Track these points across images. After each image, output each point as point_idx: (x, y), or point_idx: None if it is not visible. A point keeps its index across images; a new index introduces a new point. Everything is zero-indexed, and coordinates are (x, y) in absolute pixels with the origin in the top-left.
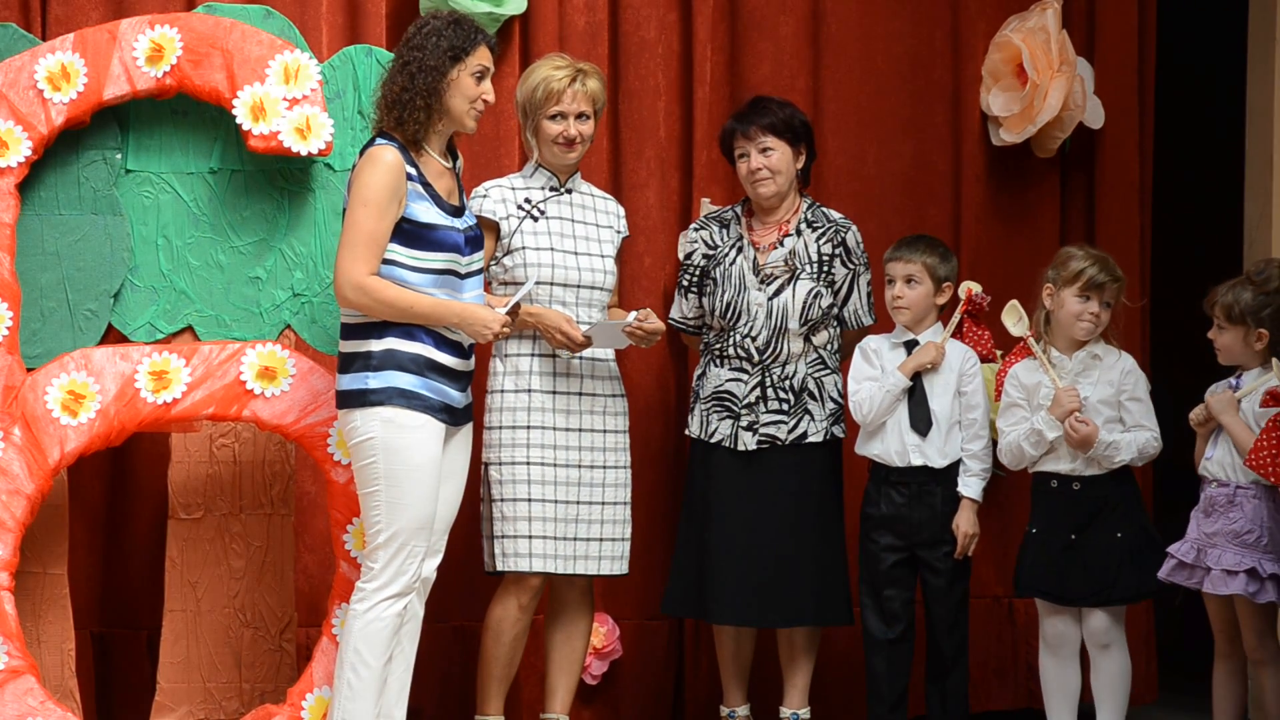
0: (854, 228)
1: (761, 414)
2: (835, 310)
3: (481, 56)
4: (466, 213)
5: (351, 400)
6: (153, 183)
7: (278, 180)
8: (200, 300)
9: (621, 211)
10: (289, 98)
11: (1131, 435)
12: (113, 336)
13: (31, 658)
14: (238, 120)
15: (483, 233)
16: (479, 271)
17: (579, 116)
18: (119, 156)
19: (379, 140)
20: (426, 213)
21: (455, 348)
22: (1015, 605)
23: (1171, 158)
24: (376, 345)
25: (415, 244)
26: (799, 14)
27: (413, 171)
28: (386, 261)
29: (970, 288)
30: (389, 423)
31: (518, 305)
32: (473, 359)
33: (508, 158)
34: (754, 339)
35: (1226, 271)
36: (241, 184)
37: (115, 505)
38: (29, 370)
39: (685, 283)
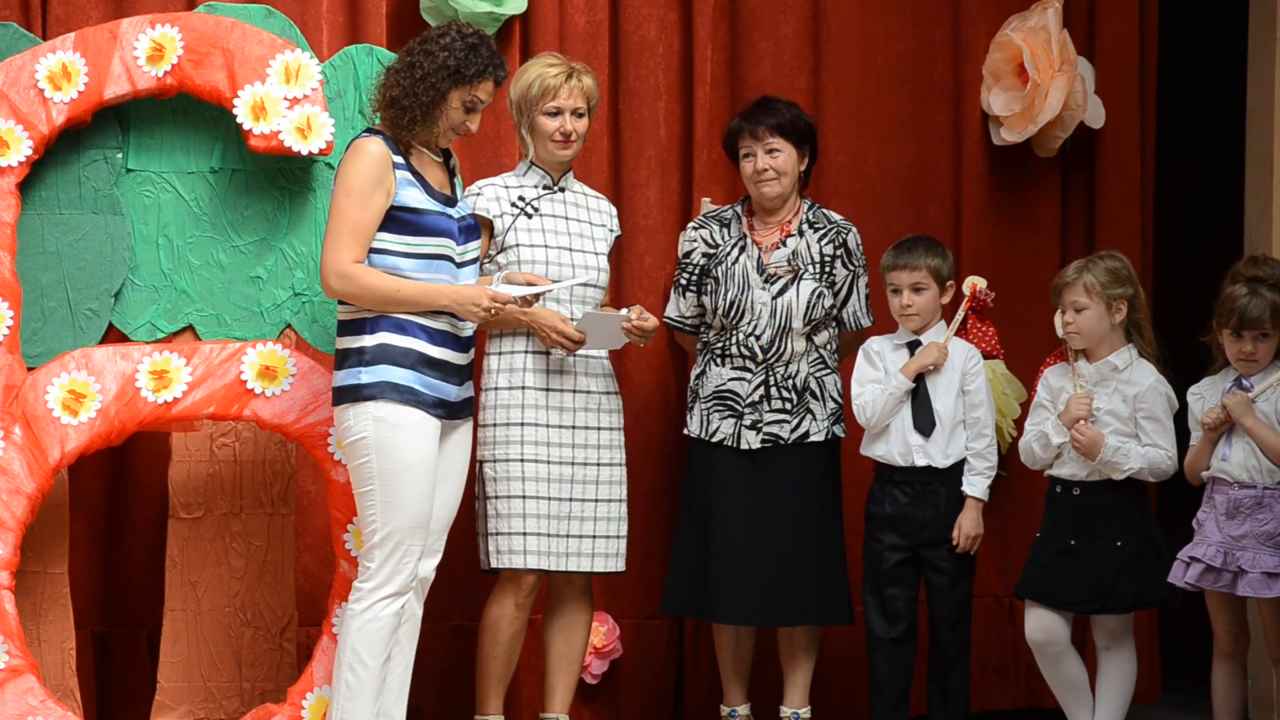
0: (854, 229)
1: (765, 413)
2: (834, 311)
3: (482, 90)
4: (461, 204)
5: (345, 396)
6: (153, 182)
7: (278, 180)
8: (201, 299)
9: (614, 211)
10: (290, 97)
11: (1143, 449)
12: (113, 336)
13: (32, 657)
14: (238, 120)
15: (478, 224)
16: (475, 260)
17: (574, 113)
18: (120, 156)
19: (365, 133)
20: (415, 198)
21: (451, 341)
22: (1016, 605)
23: (1171, 158)
24: (369, 340)
25: (406, 230)
26: (799, 13)
27: (400, 160)
28: (378, 251)
29: (975, 283)
30: (381, 421)
31: (536, 297)
32: (472, 351)
33: (508, 157)
34: (758, 338)
35: (1227, 271)
36: (242, 183)
37: (116, 504)
38: (30, 369)
39: (684, 281)
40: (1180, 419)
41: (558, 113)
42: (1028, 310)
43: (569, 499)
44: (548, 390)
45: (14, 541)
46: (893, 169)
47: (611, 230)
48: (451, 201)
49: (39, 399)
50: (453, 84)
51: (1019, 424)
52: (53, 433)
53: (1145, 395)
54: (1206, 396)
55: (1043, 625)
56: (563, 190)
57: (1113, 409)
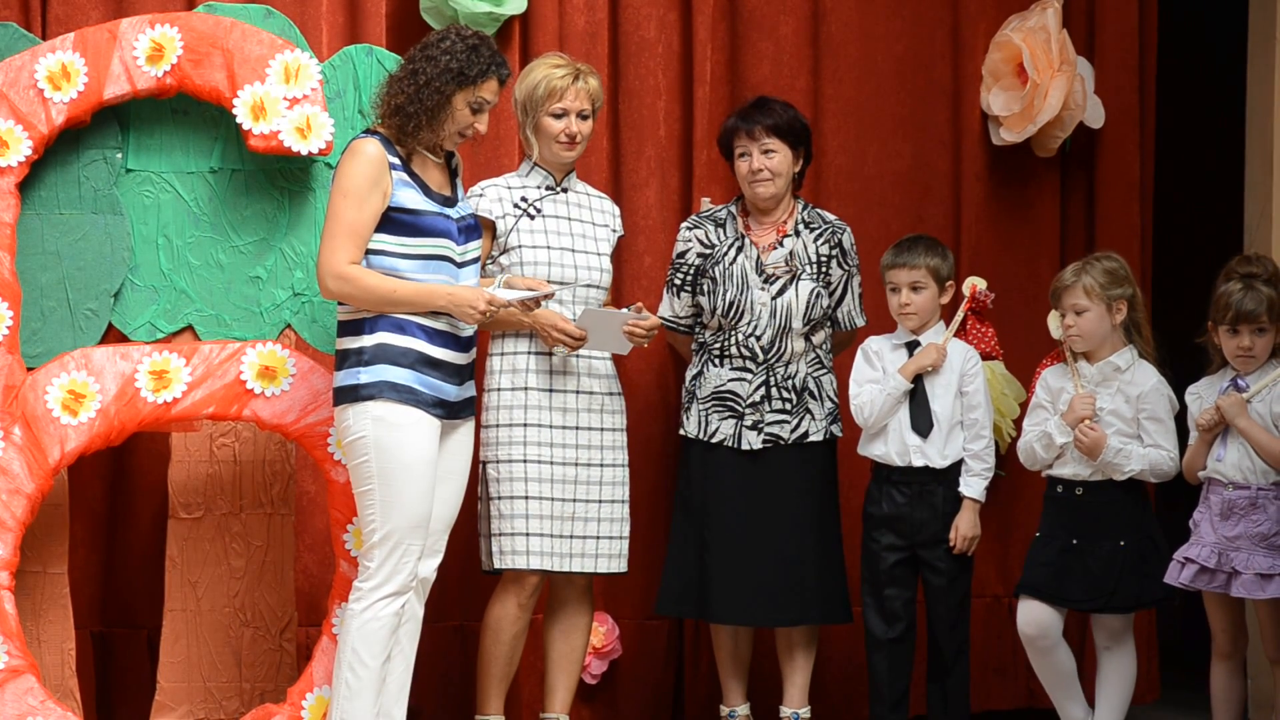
0: (849, 230)
1: (766, 413)
2: (830, 311)
3: (486, 90)
4: (461, 204)
5: (344, 396)
6: (153, 182)
7: (278, 180)
8: (200, 300)
9: (617, 211)
10: (289, 97)
11: (1145, 450)
12: (113, 336)
13: (32, 657)
14: (238, 120)
15: (479, 224)
16: (476, 260)
17: (580, 114)
18: (119, 156)
19: (362, 134)
20: (412, 199)
21: (451, 340)
22: (1015, 605)
23: (1171, 157)
24: (368, 340)
25: (403, 231)
26: (799, 14)
27: (396, 161)
28: (376, 252)
29: (975, 284)
30: (380, 420)
31: (536, 301)
32: (473, 351)
33: (508, 157)
34: (758, 338)
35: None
36: (242, 183)
37: (115, 505)
38: (29, 370)
39: (678, 281)
40: (1180, 419)
41: (563, 114)
42: (1027, 310)
43: (572, 499)
44: (550, 391)
45: (14, 541)
46: (892, 169)
47: (615, 230)
48: (450, 202)
49: (39, 399)
50: (456, 86)
51: (1018, 424)
52: (53, 433)
53: (1148, 396)
54: (1204, 397)
55: (1035, 619)
56: (565, 191)
57: (1115, 409)
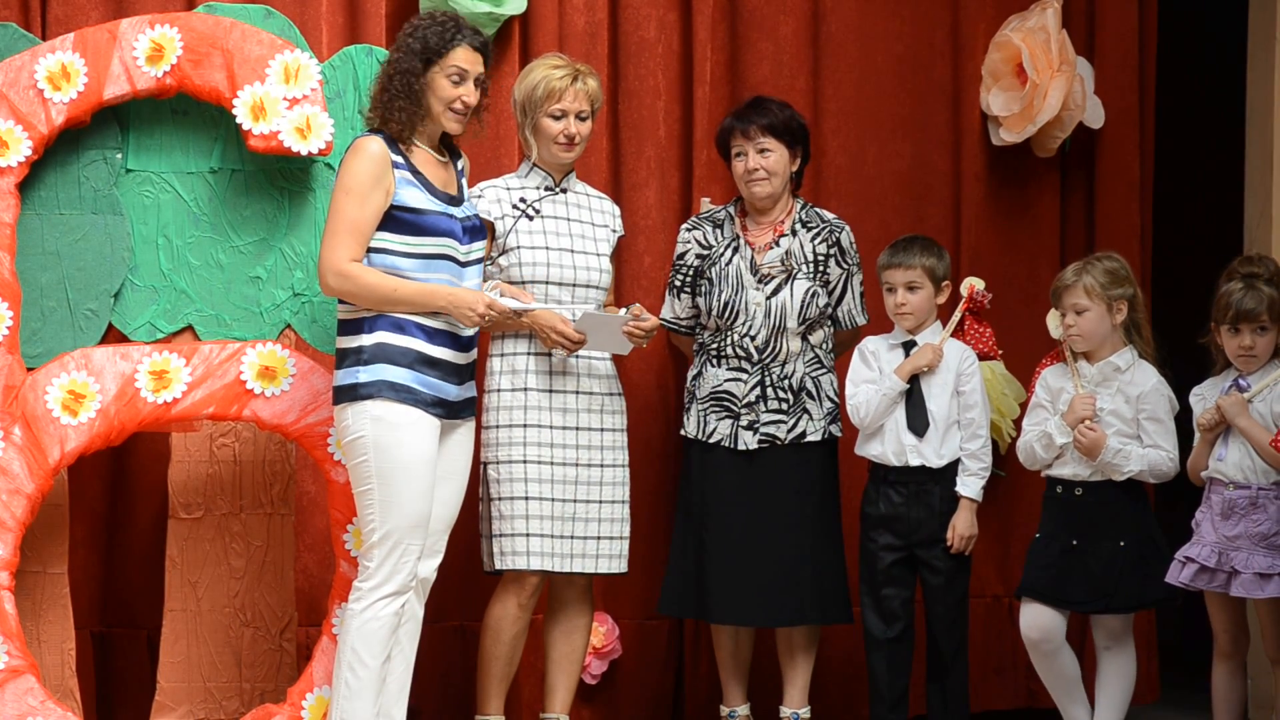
0: (847, 228)
1: (762, 413)
2: (829, 310)
3: (458, 58)
4: (466, 204)
5: (343, 395)
6: (153, 182)
7: (278, 180)
8: (200, 300)
9: (617, 211)
10: (289, 97)
11: (1144, 450)
12: (113, 336)
13: (32, 657)
14: (238, 120)
15: (483, 224)
16: (480, 260)
17: (578, 115)
18: (119, 156)
19: (365, 133)
20: (416, 198)
21: (450, 339)
22: (1016, 605)
23: (1171, 158)
24: (368, 339)
25: (406, 230)
26: (799, 14)
27: (400, 160)
28: (378, 250)
29: (973, 284)
30: (379, 420)
31: (521, 312)
32: (474, 350)
33: (507, 157)
34: (753, 338)
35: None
36: (242, 183)
37: (115, 505)
38: (29, 370)
39: (678, 283)
40: (1184, 420)
41: (562, 115)
42: (1027, 310)
43: (572, 500)
44: (550, 391)
45: (14, 541)
46: (892, 169)
47: (614, 231)
48: (456, 201)
49: (39, 399)
50: (426, 61)
51: (1017, 424)
52: (53, 433)
53: (1148, 396)
54: (1208, 397)
55: (1038, 622)
56: (564, 191)
57: (1115, 409)
